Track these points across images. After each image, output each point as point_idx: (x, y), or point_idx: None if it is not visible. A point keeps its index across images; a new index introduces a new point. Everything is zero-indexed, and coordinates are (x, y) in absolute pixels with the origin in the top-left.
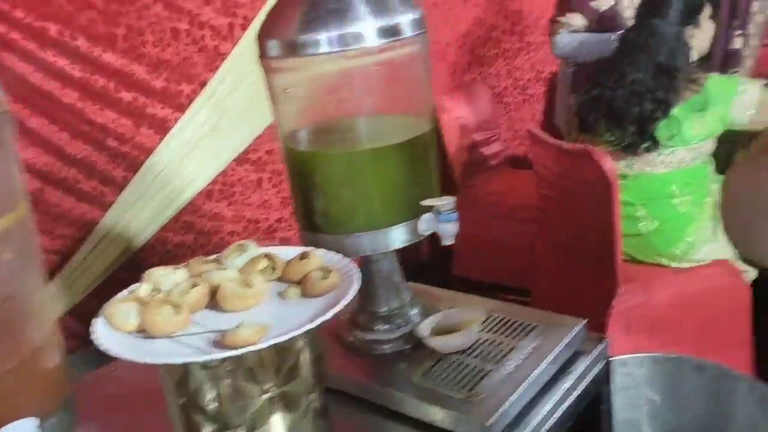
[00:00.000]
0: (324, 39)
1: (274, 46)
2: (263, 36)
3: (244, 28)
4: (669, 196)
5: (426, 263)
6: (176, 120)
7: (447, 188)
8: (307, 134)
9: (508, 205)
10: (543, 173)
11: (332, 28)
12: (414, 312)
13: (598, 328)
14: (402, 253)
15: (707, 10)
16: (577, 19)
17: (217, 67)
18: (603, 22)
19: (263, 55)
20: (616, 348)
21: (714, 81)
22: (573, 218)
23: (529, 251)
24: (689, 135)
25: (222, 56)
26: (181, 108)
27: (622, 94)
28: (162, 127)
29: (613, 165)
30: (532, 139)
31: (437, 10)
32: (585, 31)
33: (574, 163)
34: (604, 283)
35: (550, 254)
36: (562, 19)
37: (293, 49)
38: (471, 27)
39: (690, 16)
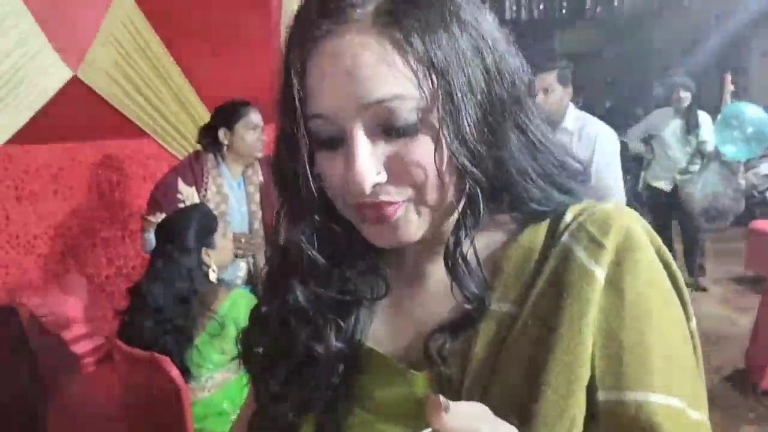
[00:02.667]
0: None
1: None
2: None
3: None
4: (223, 413)
5: None
6: None
7: (34, 395)
8: None
9: (103, 406)
10: (121, 377)
11: None
12: None
13: None
14: None
15: (221, 229)
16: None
17: None
18: None
19: None
20: None
21: (233, 302)
22: (149, 425)
23: None
24: (217, 360)
25: None
26: None
27: (148, 325)
28: None
29: (178, 372)
30: (109, 342)
31: (23, 203)
32: None
33: (144, 370)
34: None
35: None
36: (151, 218)
37: None
38: (65, 218)
39: (205, 238)
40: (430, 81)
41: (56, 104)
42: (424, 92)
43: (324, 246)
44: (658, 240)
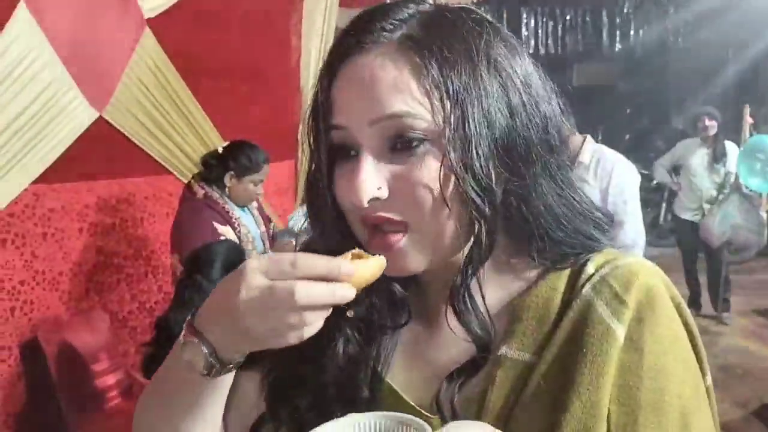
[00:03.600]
0: None
1: None
2: None
3: None
4: None
5: None
6: None
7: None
8: None
9: None
10: None
11: None
12: None
13: None
14: None
15: None
16: None
17: None
18: None
19: None
20: None
21: None
22: None
23: None
24: None
25: None
26: None
27: None
28: None
29: None
30: (130, 377)
31: (49, 241)
32: None
33: None
34: None
35: None
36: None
37: None
38: (89, 255)
39: (231, 270)
40: (442, 107)
41: (82, 144)
42: (436, 117)
43: None
44: (679, 296)
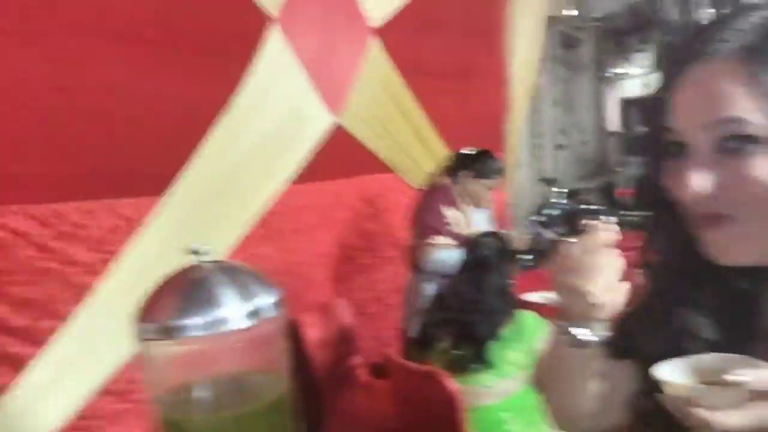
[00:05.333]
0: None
1: (150, 330)
2: (141, 320)
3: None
4: (501, 422)
5: None
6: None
7: (315, 413)
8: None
9: (378, 418)
10: (397, 391)
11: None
12: None
13: None
14: None
15: None
16: (446, 240)
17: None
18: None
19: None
20: None
21: (526, 317)
22: None
23: None
24: (503, 367)
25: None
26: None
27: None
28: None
29: (456, 386)
30: (387, 360)
31: (299, 235)
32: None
33: (420, 384)
34: None
35: None
36: (436, 240)
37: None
38: (329, 247)
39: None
40: None
41: (322, 148)
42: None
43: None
44: None
